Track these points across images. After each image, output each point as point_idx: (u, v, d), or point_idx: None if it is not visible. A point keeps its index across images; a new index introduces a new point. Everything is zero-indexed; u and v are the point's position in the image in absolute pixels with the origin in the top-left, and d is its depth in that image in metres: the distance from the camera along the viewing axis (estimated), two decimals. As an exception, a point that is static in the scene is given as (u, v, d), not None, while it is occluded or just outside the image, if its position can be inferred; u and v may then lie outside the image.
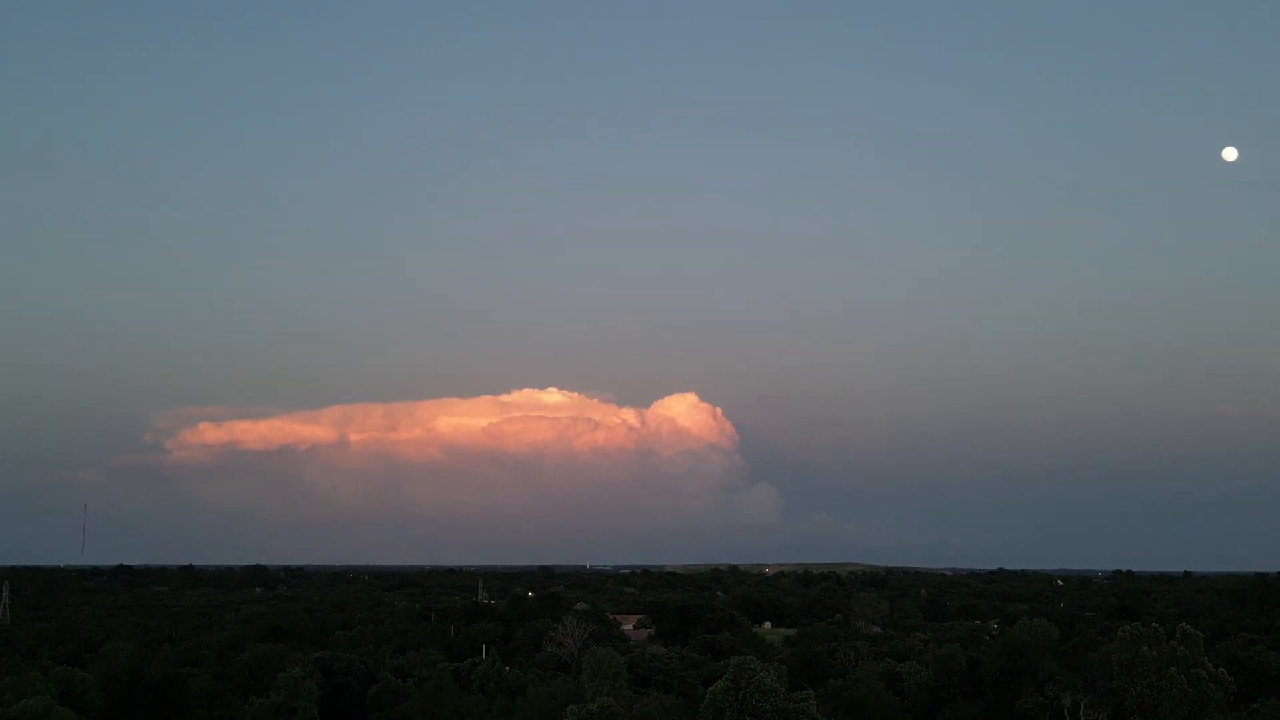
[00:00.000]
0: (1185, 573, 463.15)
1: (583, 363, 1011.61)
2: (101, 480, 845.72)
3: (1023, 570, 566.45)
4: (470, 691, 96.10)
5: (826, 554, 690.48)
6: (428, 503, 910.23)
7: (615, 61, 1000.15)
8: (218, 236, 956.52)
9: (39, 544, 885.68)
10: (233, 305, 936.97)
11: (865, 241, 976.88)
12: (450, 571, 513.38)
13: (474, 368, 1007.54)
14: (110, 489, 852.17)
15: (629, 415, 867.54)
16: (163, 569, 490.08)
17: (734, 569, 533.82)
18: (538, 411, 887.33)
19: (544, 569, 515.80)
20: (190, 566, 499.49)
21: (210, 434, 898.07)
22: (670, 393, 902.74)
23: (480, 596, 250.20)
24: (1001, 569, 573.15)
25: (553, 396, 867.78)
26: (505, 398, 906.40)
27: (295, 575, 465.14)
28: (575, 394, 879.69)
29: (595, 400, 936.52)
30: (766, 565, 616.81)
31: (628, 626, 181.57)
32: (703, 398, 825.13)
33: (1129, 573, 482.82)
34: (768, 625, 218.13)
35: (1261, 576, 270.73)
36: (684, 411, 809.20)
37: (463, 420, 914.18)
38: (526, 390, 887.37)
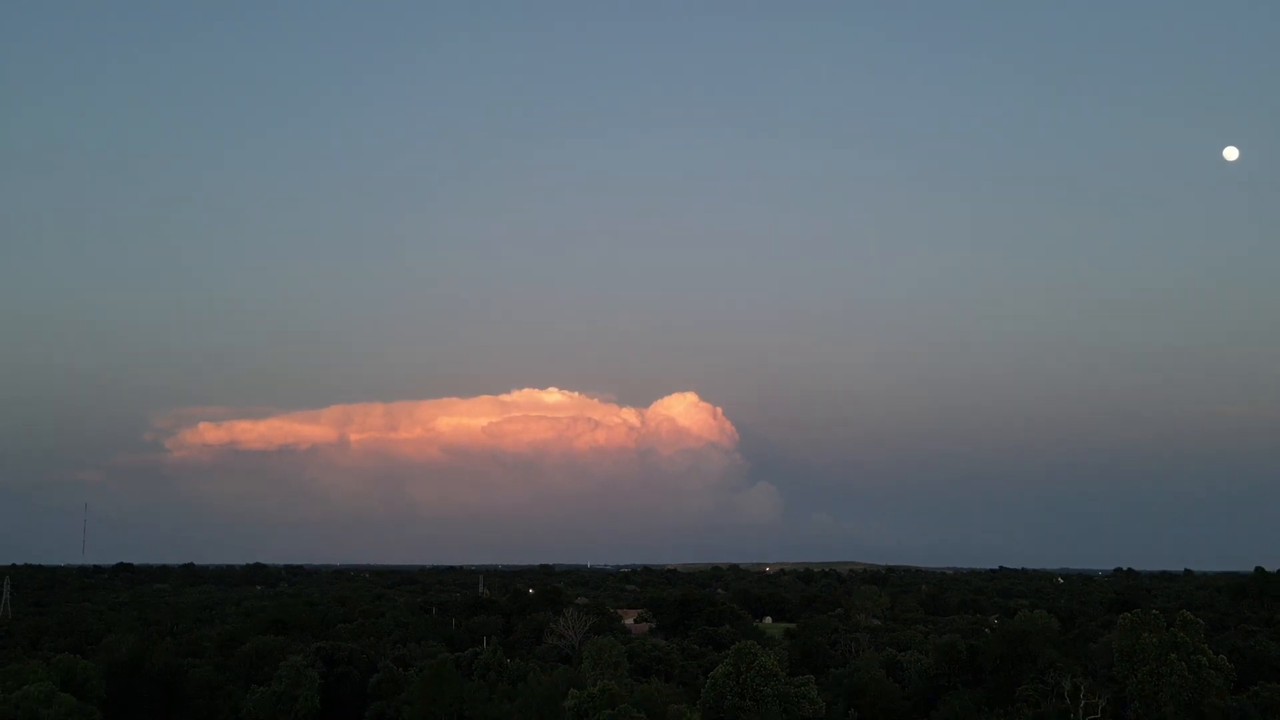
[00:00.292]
0: (1185, 571, 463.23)
1: (583, 363, 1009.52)
2: (102, 480, 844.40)
3: (1023, 569, 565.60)
4: (471, 679, 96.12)
5: (827, 553, 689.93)
6: (428, 502, 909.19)
7: (615, 62, 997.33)
8: (218, 236, 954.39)
9: (39, 543, 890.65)
10: (233, 305, 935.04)
11: (865, 241, 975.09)
12: (451, 570, 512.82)
13: (474, 367, 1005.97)
14: (110, 488, 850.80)
15: (629, 415, 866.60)
16: (163, 568, 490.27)
17: (734, 568, 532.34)
18: (538, 411, 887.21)
19: (544, 568, 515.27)
20: (191, 565, 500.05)
21: (210, 434, 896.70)
22: (670, 392, 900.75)
23: (481, 591, 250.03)
24: (1002, 567, 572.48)
25: (553, 396, 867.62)
26: (505, 397, 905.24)
27: (296, 573, 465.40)
28: (575, 394, 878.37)
29: (595, 400, 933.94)
30: (767, 564, 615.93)
31: (628, 621, 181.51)
32: (703, 397, 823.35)
33: (1129, 571, 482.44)
34: (768, 620, 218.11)
35: (1261, 572, 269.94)
36: (684, 411, 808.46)
37: (463, 420, 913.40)
38: (526, 390, 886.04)
